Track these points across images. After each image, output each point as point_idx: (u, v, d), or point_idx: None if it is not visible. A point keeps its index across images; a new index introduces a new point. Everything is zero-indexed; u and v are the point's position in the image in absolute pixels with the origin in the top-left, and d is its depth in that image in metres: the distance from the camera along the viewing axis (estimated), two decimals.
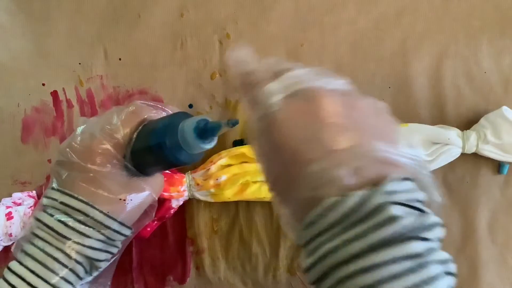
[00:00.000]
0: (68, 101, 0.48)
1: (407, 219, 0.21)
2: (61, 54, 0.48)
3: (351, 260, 0.21)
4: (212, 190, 0.43)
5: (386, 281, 0.20)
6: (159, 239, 0.46)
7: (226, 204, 0.47)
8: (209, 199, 0.44)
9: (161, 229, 0.46)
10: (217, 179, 0.43)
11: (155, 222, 0.45)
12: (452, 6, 0.49)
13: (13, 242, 0.43)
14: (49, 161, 0.47)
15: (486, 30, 0.49)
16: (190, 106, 0.48)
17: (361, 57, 0.48)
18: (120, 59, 0.48)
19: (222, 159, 0.44)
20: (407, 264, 0.20)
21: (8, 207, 0.43)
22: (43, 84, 0.48)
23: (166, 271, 0.46)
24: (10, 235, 0.42)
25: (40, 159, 0.47)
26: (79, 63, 0.48)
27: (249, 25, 0.49)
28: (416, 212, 0.22)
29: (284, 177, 0.25)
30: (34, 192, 0.46)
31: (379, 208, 0.21)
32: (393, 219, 0.21)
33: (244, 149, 0.44)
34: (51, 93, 0.48)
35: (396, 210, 0.21)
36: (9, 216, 0.42)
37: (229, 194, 0.44)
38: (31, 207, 0.43)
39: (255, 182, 0.44)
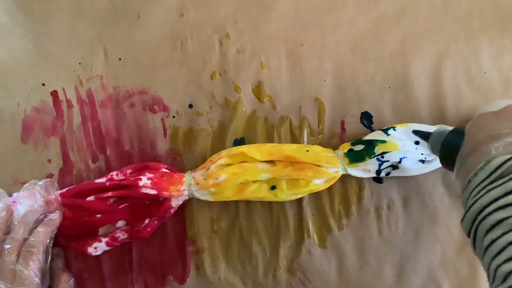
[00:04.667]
0: (68, 101, 0.48)
1: None
2: (61, 54, 0.48)
3: (491, 203, 0.28)
4: (212, 189, 0.43)
5: None
6: (159, 239, 0.46)
7: (226, 204, 0.47)
8: (208, 198, 0.44)
9: (161, 229, 0.46)
10: (216, 179, 0.43)
11: (155, 222, 0.45)
12: (452, 6, 0.49)
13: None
14: (49, 161, 0.47)
15: (486, 30, 0.49)
16: (190, 106, 0.48)
17: (361, 57, 0.48)
18: (120, 59, 0.48)
19: (222, 158, 0.44)
20: None
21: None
22: (43, 84, 0.48)
23: (166, 271, 0.46)
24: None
25: (40, 159, 0.47)
26: (79, 63, 0.48)
27: (249, 25, 0.49)
28: None
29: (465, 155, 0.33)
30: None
31: None
32: None
33: (244, 149, 0.44)
34: (51, 93, 0.48)
35: None
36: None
37: (229, 194, 0.44)
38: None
39: (254, 181, 0.44)
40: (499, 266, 0.26)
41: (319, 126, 0.48)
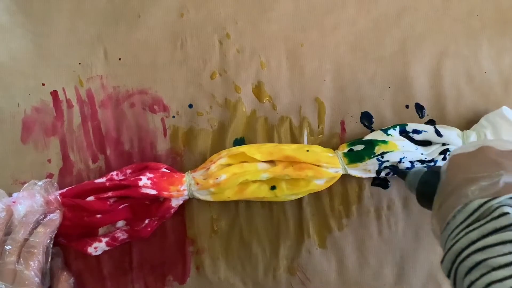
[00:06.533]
0: (68, 101, 0.48)
1: None
2: (61, 54, 0.48)
3: (469, 245, 0.28)
4: (212, 189, 0.43)
5: (494, 257, 0.26)
6: (159, 239, 0.46)
7: (226, 204, 0.47)
8: (208, 198, 0.44)
9: (161, 229, 0.46)
10: (216, 179, 0.43)
11: (155, 222, 0.45)
12: (452, 6, 0.49)
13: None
14: (49, 161, 0.47)
15: (486, 30, 0.49)
16: (190, 106, 0.48)
17: (361, 57, 0.48)
18: (120, 59, 0.48)
19: (222, 158, 0.44)
20: None
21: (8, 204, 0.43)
22: (43, 84, 0.48)
23: (166, 271, 0.46)
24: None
25: (40, 159, 0.46)
26: (79, 63, 0.48)
27: (249, 25, 0.49)
28: None
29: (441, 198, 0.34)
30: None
31: (495, 208, 0.29)
32: (504, 214, 0.28)
33: (244, 149, 0.44)
34: (51, 93, 0.48)
35: (507, 209, 0.28)
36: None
37: (229, 194, 0.44)
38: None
39: (254, 181, 0.44)
40: None
41: (319, 126, 0.48)
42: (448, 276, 0.30)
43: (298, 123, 0.48)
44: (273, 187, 0.44)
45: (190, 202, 0.46)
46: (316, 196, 0.47)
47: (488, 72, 0.48)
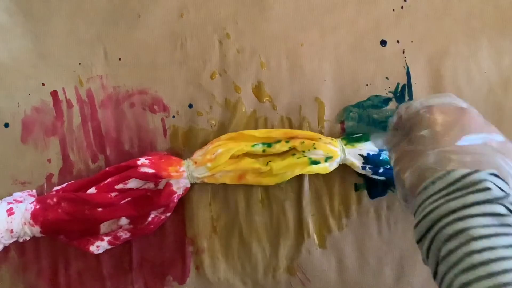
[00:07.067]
0: (68, 101, 0.48)
1: (497, 192, 0.28)
2: (61, 54, 0.48)
3: (450, 213, 0.28)
4: (209, 164, 0.43)
5: (474, 228, 0.27)
6: (159, 239, 0.46)
7: (226, 204, 0.47)
8: (207, 174, 0.44)
9: (161, 229, 0.46)
10: (213, 154, 0.43)
11: (160, 217, 0.44)
12: (452, 6, 0.49)
13: (14, 240, 0.43)
14: (49, 161, 0.47)
15: (486, 30, 0.49)
16: (190, 106, 0.48)
17: (361, 57, 0.48)
18: (120, 59, 0.48)
19: (220, 140, 0.45)
20: (492, 220, 0.27)
21: (9, 203, 0.43)
22: (43, 84, 0.48)
23: (166, 271, 0.46)
24: (11, 231, 0.42)
25: (40, 159, 0.47)
26: (79, 63, 0.48)
27: (249, 25, 0.49)
28: (505, 193, 0.29)
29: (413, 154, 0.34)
30: (34, 191, 0.46)
31: (479, 181, 0.29)
32: (487, 189, 0.28)
33: (244, 131, 0.45)
34: (51, 93, 0.48)
35: (490, 185, 0.28)
36: (10, 212, 0.42)
37: (225, 163, 0.44)
38: (32, 202, 0.43)
39: (250, 157, 0.44)
40: (456, 276, 0.26)
41: (319, 126, 0.48)
42: (419, 241, 0.30)
43: (298, 123, 0.48)
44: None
45: (190, 201, 0.46)
46: (316, 196, 0.47)
47: (488, 72, 0.48)
